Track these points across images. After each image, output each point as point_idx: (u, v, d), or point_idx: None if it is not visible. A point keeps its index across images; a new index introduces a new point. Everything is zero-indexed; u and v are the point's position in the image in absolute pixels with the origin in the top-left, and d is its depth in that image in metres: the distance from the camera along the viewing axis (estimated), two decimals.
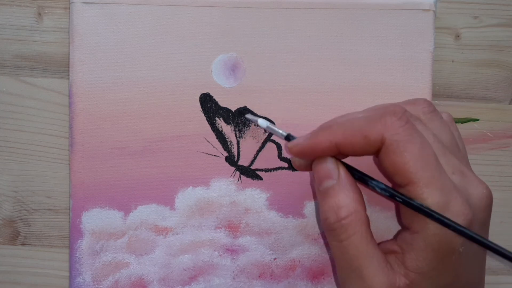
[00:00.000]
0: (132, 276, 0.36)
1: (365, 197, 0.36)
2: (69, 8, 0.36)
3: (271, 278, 0.36)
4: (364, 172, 0.30)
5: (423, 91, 0.36)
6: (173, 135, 0.36)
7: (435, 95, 0.38)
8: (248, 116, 0.36)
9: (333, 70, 0.36)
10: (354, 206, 0.28)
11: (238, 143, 0.37)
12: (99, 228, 0.36)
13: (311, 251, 0.36)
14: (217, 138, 0.36)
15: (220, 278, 0.36)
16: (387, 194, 0.28)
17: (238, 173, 0.36)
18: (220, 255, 0.36)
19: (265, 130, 0.36)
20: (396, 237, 0.30)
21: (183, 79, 0.36)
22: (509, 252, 0.26)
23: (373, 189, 0.29)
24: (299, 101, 0.36)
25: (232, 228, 0.36)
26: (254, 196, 0.36)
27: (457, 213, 0.27)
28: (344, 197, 0.28)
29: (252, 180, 0.36)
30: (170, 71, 0.36)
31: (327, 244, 0.36)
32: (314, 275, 0.36)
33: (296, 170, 0.36)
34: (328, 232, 0.29)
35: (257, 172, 0.37)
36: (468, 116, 0.38)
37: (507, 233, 0.38)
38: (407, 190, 0.27)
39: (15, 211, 0.38)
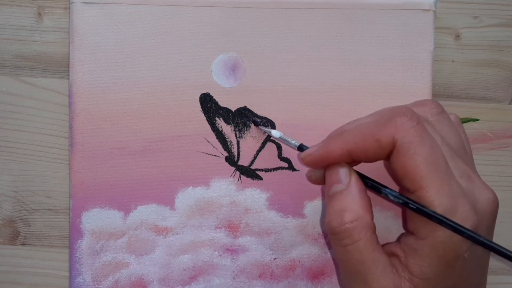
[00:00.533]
0: (132, 276, 0.36)
1: None
2: (69, 8, 0.36)
3: (271, 278, 0.36)
4: (377, 181, 0.30)
5: (423, 91, 0.36)
6: (173, 135, 0.36)
7: (435, 95, 0.38)
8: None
9: (333, 70, 0.36)
10: (360, 212, 0.28)
11: (238, 143, 0.37)
12: (99, 228, 0.36)
13: (311, 251, 0.36)
14: (217, 138, 0.36)
15: (220, 278, 0.36)
16: (400, 201, 0.28)
17: (238, 173, 0.36)
18: (220, 255, 0.36)
19: (265, 130, 0.36)
20: (399, 240, 0.30)
21: (183, 79, 0.36)
22: None
23: (385, 197, 0.29)
24: (299, 101, 0.36)
25: (232, 228, 0.36)
26: (254, 196, 0.36)
27: (463, 218, 0.26)
28: (351, 202, 0.28)
29: (252, 180, 0.36)
30: (170, 71, 0.36)
31: (327, 244, 0.36)
32: (314, 275, 0.36)
33: (296, 170, 0.36)
34: (331, 236, 0.29)
35: (257, 172, 0.37)
36: (468, 116, 0.38)
37: (507, 233, 0.38)
38: (416, 195, 0.27)
39: (15, 211, 0.38)
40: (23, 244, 0.38)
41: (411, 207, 0.27)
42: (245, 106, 0.36)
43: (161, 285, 0.36)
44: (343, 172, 0.29)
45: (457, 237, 0.27)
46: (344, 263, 0.29)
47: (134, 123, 0.36)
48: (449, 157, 0.28)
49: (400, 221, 0.36)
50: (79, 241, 0.36)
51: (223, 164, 0.36)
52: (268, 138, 0.37)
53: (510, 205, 0.38)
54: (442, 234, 0.27)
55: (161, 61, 0.36)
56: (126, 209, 0.36)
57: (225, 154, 0.36)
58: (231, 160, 0.36)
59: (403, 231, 0.36)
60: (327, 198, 0.30)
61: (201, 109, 0.36)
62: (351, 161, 0.29)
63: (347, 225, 0.28)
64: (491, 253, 0.28)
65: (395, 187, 0.31)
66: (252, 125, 0.36)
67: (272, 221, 0.36)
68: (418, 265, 0.27)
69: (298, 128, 0.36)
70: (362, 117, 0.30)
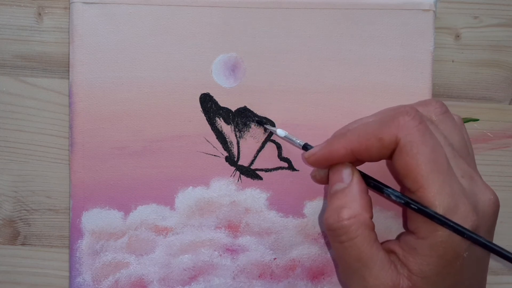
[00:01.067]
0: (132, 276, 0.36)
1: None
2: (69, 8, 0.36)
3: (271, 278, 0.36)
4: (379, 181, 0.30)
5: (423, 91, 0.36)
6: (173, 135, 0.36)
7: (435, 95, 0.38)
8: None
9: (333, 70, 0.36)
10: (358, 209, 0.28)
11: (238, 143, 0.37)
12: (99, 228, 0.36)
13: (311, 251, 0.36)
14: (217, 138, 0.36)
15: (220, 278, 0.36)
16: (402, 201, 0.28)
17: (238, 173, 0.36)
18: (220, 255, 0.36)
19: (265, 130, 0.36)
20: (399, 239, 0.30)
21: (183, 79, 0.36)
22: None
23: (387, 196, 0.29)
24: (299, 101, 0.36)
25: (232, 228, 0.36)
26: (254, 196, 0.36)
27: (464, 219, 0.27)
28: (350, 200, 0.28)
29: (252, 180, 0.36)
30: (170, 71, 0.36)
31: (327, 244, 0.36)
32: (314, 275, 0.36)
33: (296, 170, 0.36)
34: (329, 232, 0.29)
35: (257, 172, 0.37)
36: (468, 116, 0.38)
37: (507, 233, 0.38)
38: (417, 194, 0.27)
39: (15, 211, 0.38)
40: (23, 244, 0.38)
41: (413, 207, 0.27)
42: (245, 106, 0.36)
43: (161, 285, 0.36)
44: (345, 172, 0.29)
45: (456, 237, 0.27)
46: (342, 260, 0.29)
47: (134, 123, 0.36)
48: (452, 157, 0.28)
49: (400, 221, 0.36)
50: (79, 241, 0.36)
51: (223, 164, 0.36)
52: (268, 138, 0.37)
53: (510, 205, 0.38)
54: (442, 234, 0.27)
55: (161, 61, 0.36)
56: (126, 209, 0.36)
57: (225, 154, 0.36)
58: (231, 160, 0.36)
59: (403, 230, 0.36)
60: (328, 197, 0.30)
61: (201, 109, 0.36)
62: (355, 160, 0.29)
63: (344, 221, 0.28)
64: (491, 253, 0.28)
65: (397, 187, 0.31)
66: (252, 125, 0.36)
67: (272, 221, 0.36)
68: (417, 264, 0.27)
69: (298, 128, 0.36)
70: (366, 116, 0.30)
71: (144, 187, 0.36)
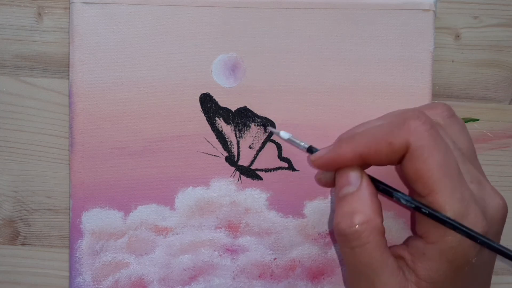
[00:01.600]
0: (132, 276, 0.36)
1: None
2: (69, 8, 0.36)
3: (271, 278, 0.36)
4: (388, 184, 0.29)
5: (423, 91, 0.36)
6: (173, 135, 0.36)
7: (435, 95, 0.38)
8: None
9: (333, 70, 0.36)
10: (370, 214, 0.28)
11: (238, 143, 0.37)
12: (99, 228, 0.36)
13: (311, 251, 0.36)
14: (217, 138, 0.36)
15: (220, 278, 0.36)
16: (412, 206, 0.28)
17: (238, 173, 0.36)
18: (220, 255, 0.36)
19: (265, 130, 0.36)
20: (407, 243, 0.30)
21: (183, 79, 0.36)
22: None
23: (397, 200, 0.29)
24: (299, 101, 0.36)
25: (232, 228, 0.36)
26: (254, 196, 0.36)
27: (474, 224, 0.26)
28: (361, 204, 0.28)
29: (252, 180, 0.36)
30: (170, 71, 0.36)
31: (327, 244, 0.36)
32: (314, 275, 0.36)
33: (296, 170, 0.36)
34: (339, 238, 0.28)
35: (257, 172, 0.36)
36: (468, 116, 0.38)
37: (507, 233, 0.38)
38: (428, 199, 0.27)
39: (15, 211, 0.38)
40: (23, 244, 0.38)
41: (424, 211, 0.27)
42: (245, 106, 0.36)
43: (161, 285, 0.36)
44: (354, 175, 0.29)
45: (466, 243, 0.26)
46: (352, 266, 0.28)
47: (134, 123, 0.36)
48: (461, 161, 0.28)
49: (400, 221, 0.36)
50: (79, 241, 0.36)
51: (223, 164, 0.36)
52: (268, 138, 0.37)
53: (510, 205, 0.38)
54: (452, 239, 0.26)
55: (161, 61, 0.36)
56: (126, 209, 0.36)
57: (225, 154, 0.36)
58: (231, 160, 0.36)
59: (403, 231, 0.36)
60: (336, 200, 0.29)
61: (201, 109, 0.36)
62: (362, 164, 0.29)
63: (356, 227, 0.27)
64: (497, 256, 0.28)
65: (405, 190, 0.30)
66: (252, 125, 0.36)
67: (272, 221, 0.36)
68: (425, 269, 0.27)
69: (298, 128, 0.36)
70: (372, 120, 0.30)
71: (144, 187, 0.36)
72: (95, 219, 0.36)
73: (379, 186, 0.29)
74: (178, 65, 0.36)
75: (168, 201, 0.36)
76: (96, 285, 0.36)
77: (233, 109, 0.36)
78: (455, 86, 0.38)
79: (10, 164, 0.38)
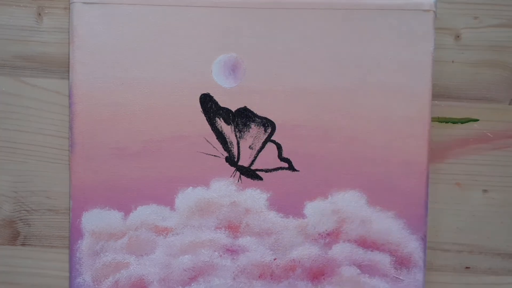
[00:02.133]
0: (132, 276, 0.36)
1: (365, 198, 0.36)
2: (69, 9, 0.36)
3: (271, 279, 0.36)
4: None
5: (423, 91, 0.36)
6: (173, 136, 0.36)
7: (435, 95, 0.38)
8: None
9: (333, 70, 0.36)
10: None
11: (238, 143, 0.37)
12: (99, 229, 0.36)
13: (311, 252, 0.36)
14: (217, 138, 0.36)
15: (220, 278, 0.36)
16: None
17: (238, 173, 0.36)
18: (220, 256, 0.36)
19: (265, 130, 0.36)
20: None
21: (183, 79, 0.36)
22: None
23: None
24: (298, 101, 0.36)
25: (232, 228, 0.36)
26: (254, 197, 0.36)
27: None
28: None
29: (252, 180, 0.36)
30: (170, 71, 0.36)
31: (327, 244, 0.36)
32: (314, 275, 0.36)
33: (296, 170, 0.36)
34: None
35: (257, 173, 0.36)
36: (468, 117, 0.38)
37: (508, 233, 0.38)
38: None
39: (15, 211, 0.38)
40: (23, 245, 0.38)
41: None
42: (245, 107, 0.36)
43: (161, 286, 0.36)
44: None
45: None
46: None
47: (134, 124, 0.36)
48: None
49: (400, 221, 0.36)
50: (79, 242, 0.36)
51: (223, 165, 0.36)
52: (269, 138, 0.37)
53: (510, 206, 0.38)
54: None
55: (161, 62, 0.36)
56: (126, 210, 0.36)
57: (225, 154, 0.36)
58: (231, 160, 0.36)
59: (404, 232, 0.36)
60: None
61: (201, 110, 0.36)
62: None
63: None
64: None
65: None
66: (252, 125, 0.36)
67: (272, 222, 0.36)
68: None
69: (297, 129, 0.36)
70: None
71: (144, 188, 0.36)
72: (95, 219, 0.36)
73: None
74: (178, 66, 0.36)
75: (168, 201, 0.36)
76: (96, 286, 0.36)
77: (233, 109, 0.36)
78: (455, 86, 0.38)
79: (10, 164, 0.38)
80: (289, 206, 0.36)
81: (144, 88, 0.36)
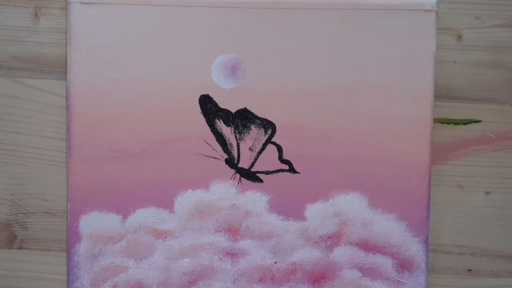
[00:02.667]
0: (131, 280, 0.36)
1: (366, 200, 0.36)
2: (66, 9, 0.36)
3: (272, 282, 0.36)
4: None
5: (425, 92, 0.36)
6: (172, 137, 0.36)
7: (437, 96, 0.38)
8: None
9: (334, 71, 0.36)
10: None
11: (238, 145, 0.36)
12: (97, 232, 0.36)
13: (312, 255, 0.36)
14: (216, 140, 0.36)
15: (220, 282, 0.36)
16: None
17: (238, 175, 0.36)
18: (220, 259, 0.36)
19: (265, 132, 0.36)
20: None
21: (182, 80, 0.36)
22: None
23: None
24: (299, 102, 0.36)
25: (232, 231, 0.36)
26: (254, 199, 0.36)
27: None
28: None
29: (252, 182, 0.36)
30: (169, 72, 0.36)
31: (328, 248, 0.36)
32: (315, 278, 0.36)
33: (296, 172, 0.36)
34: None
35: (258, 175, 0.36)
36: (470, 118, 0.38)
37: (510, 235, 0.38)
38: None
39: (11, 214, 0.38)
40: (20, 248, 0.38)
41: None
42: (245, 108, 0.36)
43: None
44: None
45: None
46: None
47: (133, 125, 0.36)
48: None
49: (402, 224, 0.36)
50: (77, 245, 0.36)
51: (223, 167, 0.36)
52: (269, 140, 0.36)
53: (511, 206, 0.38)
54: None
55: (160, 62, 0.36)
56: (124, 213, 0.36)
57: (225, 156, 0.36)
58: (231, 162, 0.36)
59: (405, 234, 0.36)
60: None
61: (200, 111, 0.36)
62: None
63: None
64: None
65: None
66: (253, 127, 0.36)
67: (273, 224, 0.36)
68: None
69: (298, 130, 0.36)
70: None
71: (142, 190, 0.36)
72: (93, 222, 0.36)
73: None
74: (177, 66, 0.36)
75: (167, 204, 0.36)
76: None
77: (233, 110, 0.36)
78: (457, 87, 0.38)
79: (7, 167, 0.38)
80: (289, 209, 0.36)
81: (143, 89, 0.36)
